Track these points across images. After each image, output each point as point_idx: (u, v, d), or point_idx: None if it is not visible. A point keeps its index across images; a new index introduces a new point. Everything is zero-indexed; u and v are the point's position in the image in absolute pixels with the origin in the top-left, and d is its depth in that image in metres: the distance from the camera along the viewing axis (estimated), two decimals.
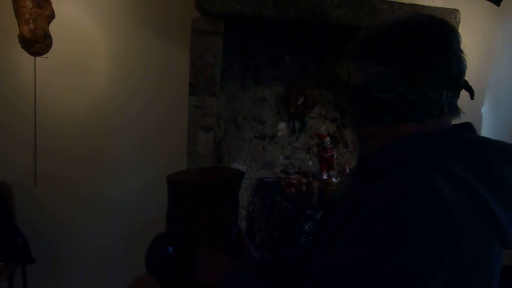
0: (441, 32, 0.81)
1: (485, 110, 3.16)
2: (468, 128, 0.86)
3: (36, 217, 2.47)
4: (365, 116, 0.85)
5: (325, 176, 2.68)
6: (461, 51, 0.83)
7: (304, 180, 2.57)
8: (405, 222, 0.69)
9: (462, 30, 2.66)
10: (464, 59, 0.84)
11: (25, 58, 2.23)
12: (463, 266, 0.71)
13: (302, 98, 2.91)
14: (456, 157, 0.76)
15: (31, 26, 2.09)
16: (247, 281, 0.92)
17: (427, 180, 0.72)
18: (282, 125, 2.98)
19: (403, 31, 0.81)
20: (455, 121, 0.87)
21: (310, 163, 3.06)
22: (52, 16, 2.19)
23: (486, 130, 3.16)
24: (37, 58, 2.24)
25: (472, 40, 3.00)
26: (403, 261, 0.68)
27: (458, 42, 0.83)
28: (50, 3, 2.18)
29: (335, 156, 2.76)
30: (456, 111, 0.85)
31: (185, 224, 1.08)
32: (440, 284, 0.70)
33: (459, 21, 2.65)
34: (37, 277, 2.45)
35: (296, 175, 2.78)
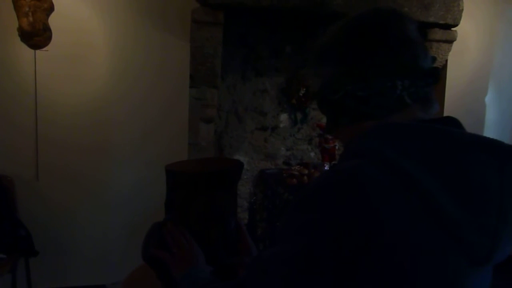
0: (380, 21, 0.76)
1: (488, 98, 3.14)
2: (447, 122, 0.75)
3: (39, 209, 2.48)
4: (328, 121, 0.84)
5: (326, 167, 2.67)
6: (413, 37, 0.76)
7: (306, 171, 2.57)
8: (316, 193, 0.68)
9: (465, 19, 2.65)
10: (422, 44, 0.77)
11: (25, 51, 2.23)
12: (381, 247, 0.63)
13: (304, 89, 2.89)
14: (407, 149, 0.68)
15: (30, 19, 2.08)
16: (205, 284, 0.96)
17: (357, 168, 0.67)
18: (283, 116, 2.97)
19: (345, 29, 0.78)
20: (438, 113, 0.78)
21: (312, 154, 3.05)
22: (51, 8, 2.18)
23: (490, 118, 3.14)
24: (37, 51, 2.23)
25: (475, 28, 2.98)
26: (305, 248, 0.65)
27: (406, 28, 0.76)
28: None
29: (336, 147, 2.75)
30: (424, 100, 0.76)
31: (180, 213, 1.09)
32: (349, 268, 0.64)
33: (462, 10, 2.62)
34: (40, 269, 2.47)
35: (298, 166, 2.77)
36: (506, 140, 0.82)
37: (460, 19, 2.58)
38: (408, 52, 0.75)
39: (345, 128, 0.80)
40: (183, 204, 1.08)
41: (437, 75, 0.77)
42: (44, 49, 2.20)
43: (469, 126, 0.75)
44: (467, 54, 2.98)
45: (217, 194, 1.08)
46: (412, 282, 0.65)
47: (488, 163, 0.67)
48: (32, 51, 2.23)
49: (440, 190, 0.64)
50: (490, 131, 3.13)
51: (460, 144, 0.68)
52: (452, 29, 2.62)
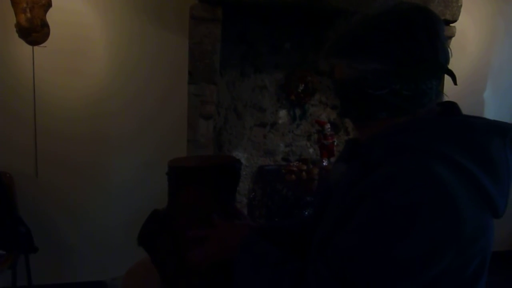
0: (428, 23, 0.81)
1: (487, 95, 3.14)
2: (453, 108, 0.88)
3: (38, 206, 2.49)
4: (358, 111, 0.86)
5: (325, 163, 2.68)
6: (445, 39, 0.84)
7: (304, 167, 2.57)
8: (413, 212, 0.72)
9: (464, 15, 2.65)
10: (448, 46, 0.85)
11: (23, 47, 2.23)
12: (465, 243, 0.75)
13: (303, 85, 2.89)
14: (449, 142, 0.78)
15: (28, 15, 2.08)
16: (265, 253, 0.92)
17: (428, 168, 0.74)
18: (282, 113, 2.97)
19: (391, 24, 0.80)
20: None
21: (311, 150, 3.05)
22: (48, 4, 2.18)
23: (488, 114, 3.14)
24: (35, 46, 2.23)
25: (474, 24, 2.98)
26: (414, 246, 0.72)
27: (443, 31, 0.83)
28: None
29: (335, 143, 2.76)
30: (440, 94, 0.87)
31: (170, 204, 1.14)
32: (448, 260, 0.74)
33: (461, 5, 2.61)
34: (40, 265, 2.48)
35: (297, 162, 2.78)
36: None
37: (458, 15, 2.58)
38: (443, 55, 0.82)
39: (377, 121, 0.84)
40: (170, 196, 1.11)
41: (455, 76, 0.86)
42: (42, 45, 2.20)
43: None
44: (466, 50, 2.98)
45: (196, 189, 1.10)
46: (486, 251, 0.80)
47: (498, 143, 0.80)
48: (30, 47, 2.23)
49: (483, 174, 0.76)
50: None
51: (482, 131, 0.80)
52: (451, 25, 2.62)
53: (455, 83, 0.87)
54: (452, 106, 0.88)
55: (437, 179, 0.73)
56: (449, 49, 0.84)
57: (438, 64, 0.81)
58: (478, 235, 0.77)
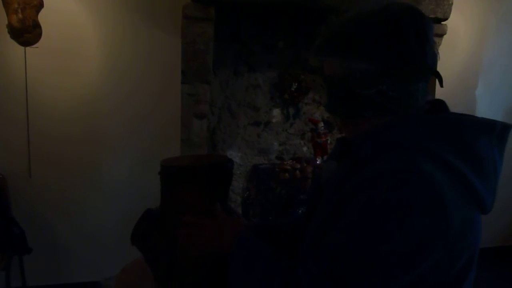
0: (418, 25, 0.82)
1: (479, 92, 3.16)
2: (441, 106, 0.89)
3: (32, 207, 2.48)
4: (345, 109, 0.87)
5: (319, 161, 2.69)
6: (434, 42, 0.85)
7: (298, 166, 2.58)
8: (401, 209, 0.74)
9: (455, 13, 2.67)
10: (436, 49, 0.86)
11: (15, 48, 2.22)
12: (453, 239, 0.76)
13: (296, 84, 2.90)
14: (436, 139, 0.80)
15: (20, 15, 2.08)
16: (259, 250, 0.93)
17: (415, 165, 0.76)
18: (276, 112, 2.98)
19: (381, 25, 0.81)
20: None
21: (305, 149, 3.06)
22: (40, 5, 2.17)
23: (480, 111, 3.16)
24: (27, 47, 2.22)
25: (465, 22, 3.00)
26: (403, 243, 0.73)
27: (432, 33, 0.85)
28: None
29: (329, 141, 2.76)
30: (427, 96, 0.87)
31: (162, 203, 1.16)
32: (436, 257, 0.76)
33: (452, 3, 2.63)
34: (34, 266, 2.47)
35: (290, 160, 2.78)
36: None
37: (450, 13, 2.59)
38: (432, 58, 0.84)
39: (363, 120, 0.86)
40: (177, 197, 1.11)
41: (441, 79, 0.88)
42: (34, 46, 2.19)
43: None
44: (457, 48, 3.00)
45: (211, 187, 1.10)
46: (474, 247, 0.82)
47: (485, 140, 0.81)
48: (22, 47, 2.22)
49: (469, 171, 0.78)
50: None
51: (469, 129, 0.81)
52: (442, 23, 2.64)
53: (441, 85, 0.88)
54: (440, 104, 0.89)
55: (425, 175, 0.75)
56: (437, 52, 0.85)
57: (425, 66, 0.82)
58: (466, 231, 0.78)
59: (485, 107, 3.17)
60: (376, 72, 0.81)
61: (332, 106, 0.90)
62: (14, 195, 2.41)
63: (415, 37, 0.81)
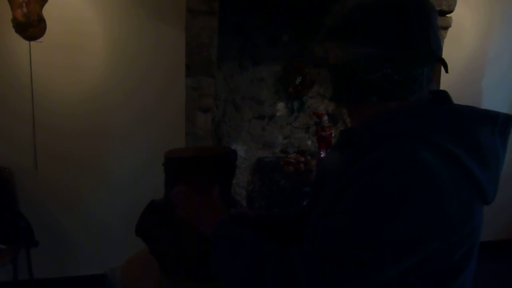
0: (422, 9, 0.83)
1: (485, 84, 3.14)
2: (444, 96, 0.89)
3: (38, 199, 2.51)
4: (350, 95, 0.87)
5: (323, 155, 2.69)
6: (438, 27, 0.85)
7: (302, 159, 2.59)
8: (398, 195, 0.73)
9: (460, 5, 2.64)
10: (441, 34, 0.85)
11: (20, 42, 2.23)
12: (452, 227, 0.76)
13: (300, 77, 2.90)
14: (437, 128, 0.80)
15: (24, 10, 2.08)
16: (241, 235, 0.92)
17: (414, 153, 0.76)
18: (280, 105, 2.98)
19: (386, 10, 0.82)
20: None
21: (309, 142, 3.06)
22: None
23: (486, 104, 3.15)
24: (32, 42, 2.23)
25: (470, 14, 2.97)
26: (398, 229, 0.73)
27: (436, 18, 0.85)
28: None
29: (333, 135, 2.77)
30: (431, 82, 0.87)
31: (166, 195, 1.15)
32: (435, 245, 0.76)
33: None
34: (41, 259, 2.50)
35: (294, 154, 2.79)
36: None
37: (454, 6, 2.58)
38: (436, 42, 0.84)
39: (368, 106, 0.86)
40: (165, 186, 1.12)
41: (446, 65, 0.88)
42: (39, 40, 2.20)
43: None
44: (463, 40, 2.98)
45: (214, 178, 1.11)
46: (474, 237, 0.82)
47: (487, 130, 0.82)
48: (27, 42, 2.23)
49: (470, 160, 0.78)
50: None
51: (471, 118, 0.81)
52: (447, 15, 2.62)
53: (447, 71, 0.88)
54: (443, 95, 0.89)
55: (424, 163, 0.75)
56: (441, 37, 0.85)
57: (430, 51, 0.82)
58: (465, 220, 0.78)
59: (491, 99, 3.16)
60: (380, 56, 0.82)
61: (337, 94, 0.90)
62: (21, 189, 2.43)
63: (418, 21, 0.81)
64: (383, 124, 0.83)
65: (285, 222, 1.17)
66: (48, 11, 2.19)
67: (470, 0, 2.92)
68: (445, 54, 0.89)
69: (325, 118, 2.72)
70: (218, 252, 0.91)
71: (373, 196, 0.75)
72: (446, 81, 2.92)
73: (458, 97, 0.92)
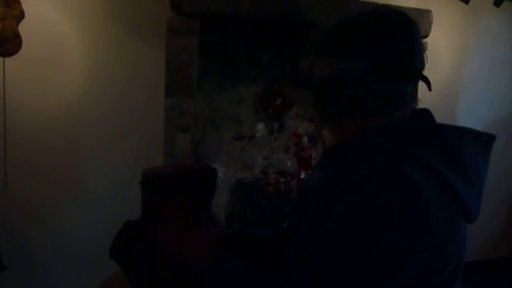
0: (406, 26, 0.85)
1: (459, 108, 3.22)
2: (427, 114, 0.91)
3: (7, 220, 2.40)
4: (335, 111, 0.87)
5: (303, 176, 2.69)
6: (422, 45, 0.86)
7: (282, 179, 2.58)
8: (383, 213, 0.73)
9: (435, 30, 2.72)
10: (425, 52, 0.88)
11: None
12: (438, 245, 0.76)
13: (280, 98, 2.91)
14: (421, 145, 0.81)
15: None
16: (230, 269, 0.90)
17: (398, 170, 0.76)
18: (260, 126, 2.98)
19: (371, 25, 0.83)
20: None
21: (289, 163, 3.05)
22: (21, 15, 2.13)
23: None
24: (6, 58, 2.18)
25: (445, 39, 3.06)
26: (383, 249, 0.72)
27: (420, 36, 0.87)
28: (19, 3, 2.11)
29: (313, 156, 2.77)
30: (415, 100, 0.90)
31: (143, 214, 1.14)
32: (421, 264, 0.75)
33: (432, 21, 2.69)
34: (10, 285, 2.37)
35: (274, 175, 2.78)
36: None
37: (430, 31, 2.65)
38: (420, 59, 0.86)
39: (351, 122, 0.87)
40: (159, 206, 1.09)
41: (429, 83, 0.89)
42: (14, 56, 2.14)
43: None
44: (438, 65, 3.05)
45: (193, 196, 1.08)
46: (459, 255, 0.82)
47: (470, 148, 0.83)
48: (1, 58, 2.17)
49: (454, 177, 0.78)
50: None
51: (454, 136, 0.83)
52: (423, 40, 2.69)
53: (430, 89, 0.89)
54: (426, 113, 0.91)
55: (408, 180, 0.74)
56: (425, 55, 0.87)
57: (414, 68, 0.83)
58: (450, 237, 0.78)
59: (464, 122, 3.21)
60: (365, 71, 0.82)
61: (321, 109, 0.90)
62: None
63: (403, 38, 0.83)
64: (367, 140, 0.83)
65: (265, 243, 1.14)
66: (24, 25, 2.15)
67: (445, 26, 3.02)
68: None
69: (305, 139, 2.73)
70: (211, 283, 0.90)
71: (357, 216, 0.74)
72: (420, 105, 3.00)
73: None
